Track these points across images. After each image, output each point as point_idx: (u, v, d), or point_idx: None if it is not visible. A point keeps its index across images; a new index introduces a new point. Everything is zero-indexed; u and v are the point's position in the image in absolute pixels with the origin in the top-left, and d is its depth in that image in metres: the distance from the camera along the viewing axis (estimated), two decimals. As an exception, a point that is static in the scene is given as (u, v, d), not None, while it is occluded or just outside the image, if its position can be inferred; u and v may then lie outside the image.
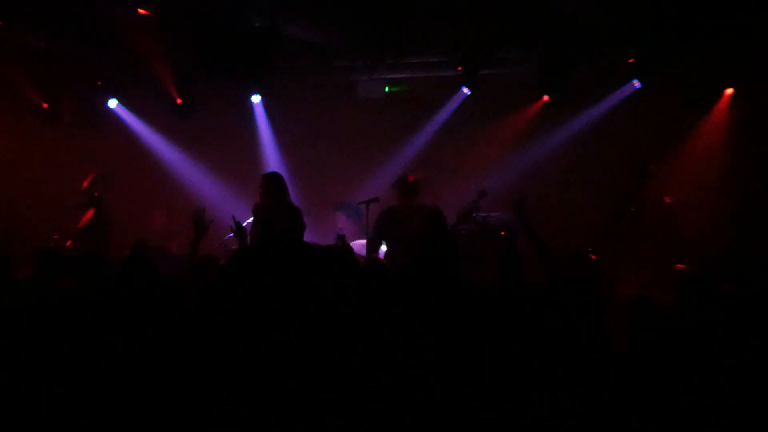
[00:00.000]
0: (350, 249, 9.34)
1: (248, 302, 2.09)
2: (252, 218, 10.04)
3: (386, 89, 13.14)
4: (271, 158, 13.73)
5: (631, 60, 11.76)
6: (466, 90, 12.50)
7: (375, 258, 9.71)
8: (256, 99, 13.51)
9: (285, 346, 2.04)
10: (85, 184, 11.92)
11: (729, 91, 11.80)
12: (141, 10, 10.52)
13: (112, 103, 13.84)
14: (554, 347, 3.24)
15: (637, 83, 11.91)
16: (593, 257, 8.30)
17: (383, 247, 10.53)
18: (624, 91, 12.16)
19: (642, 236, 10.37)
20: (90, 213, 11.76)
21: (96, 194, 11.85)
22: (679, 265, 9.09)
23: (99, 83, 13.64)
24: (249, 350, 2.04)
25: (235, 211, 9.76)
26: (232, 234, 8.54)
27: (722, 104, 11.94)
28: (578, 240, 9.66)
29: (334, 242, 9.69)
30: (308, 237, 11.37)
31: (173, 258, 11.29)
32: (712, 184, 11.82)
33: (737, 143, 11.83)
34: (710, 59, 11.52)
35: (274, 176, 10.18)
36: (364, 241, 10.69)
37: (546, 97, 12.15)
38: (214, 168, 13.84)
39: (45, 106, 13.52)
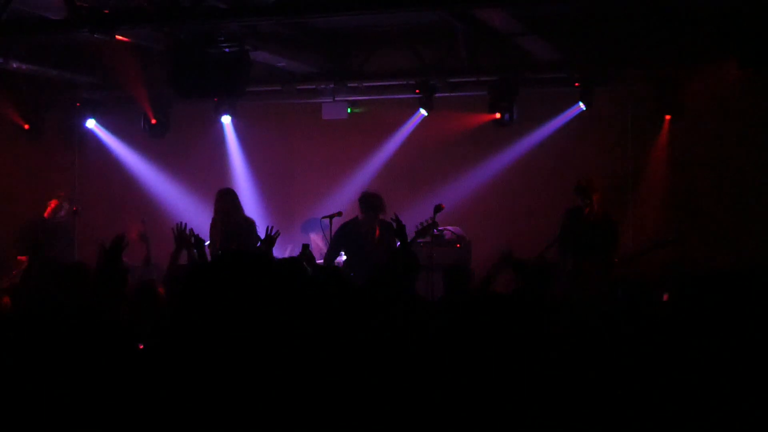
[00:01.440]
0: (313, 258, 9.72)
1: (210, 312, 2.14)
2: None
3: (348, 110, 13.52)
4: (241, 175, 14.08)
5: (577, 84, 12.15)
6: (423, 111, 12.81)
7: (333, 266, 10.17)
8: (226, 119, 13.75)
9: (246, 352, 2.10)
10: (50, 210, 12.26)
11: (668, 117, 12.20)
12: (118, 37, 10.64)
13: (91, 123, 14.14)
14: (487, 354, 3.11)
15: (582, 105, 12.26)
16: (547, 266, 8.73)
17: (342, 257, 11.04)
18: (571, 113, 12.55)
19: (588, 248, 10.55)
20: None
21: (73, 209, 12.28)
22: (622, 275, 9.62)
23: (78, 104, 13.98)
24: (213, 358, 2.10)
25: (206, 224, 10.29)
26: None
27: (664, 129, 12.36)
28: (530, 251, 9.85)
29: (300, 253, 10.00)
30: (275, 249, 11.80)
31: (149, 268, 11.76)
32: (656, 202, 12.43)
33: (677, 165, 12.38)
34: (651, 87, 12.01)
35: (228, 192, 10.55)
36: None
37: (497, 115, 12.39)
38: (186, 183, 14.13)
39: (26, 127, 13.73)
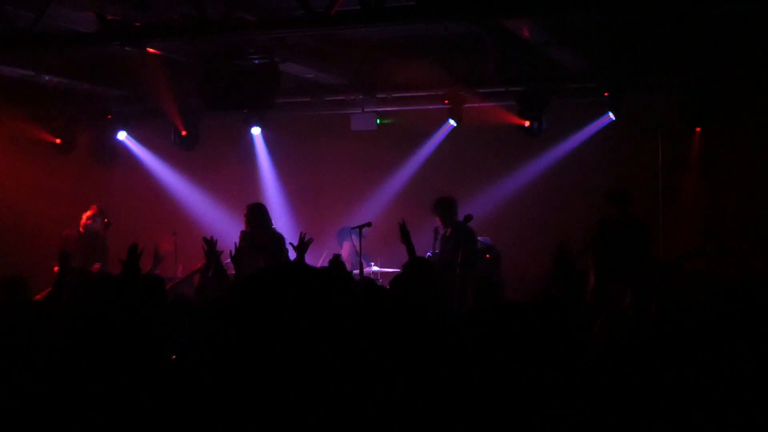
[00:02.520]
0: (344, 267, 9.60)
1: (257, 323, 2.14)
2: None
3: (378, 121, 13.55)
4: (270, 186, 14.17)
5: (606, 94, 12.11)
6: (452, 122, 12.86)
7: (367, 278, 10.19)
8: (256, 131, 13.88)
9: (292, 362, 2.11)
10: (89, 215, 12.40)
11: (698, 129, 12.15)
12: (150, 49, 10.77)
13: (122, 136, 14.30)
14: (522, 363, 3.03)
15: (611, 115, 12.21)
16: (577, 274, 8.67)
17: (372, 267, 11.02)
18: (600, 123, 12.52)
19: (620, 258, 10.44)
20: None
21: (105, 221, 12.45)
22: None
23: (109, 117, 14.11)
24: (259, 367, 2.11)
25: (235, 235, 10.31)
26: (228, 260, 8.78)
27: (695, 139, 12.32)
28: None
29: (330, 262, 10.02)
30: (308, 257, 11.84)
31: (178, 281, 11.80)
32: (687, 212, 12.35)
33: (708, 175, 12.32)
34: (682, 97, 11.84)
35: (258, 206, 10.60)
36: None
37: (527, 123, 12.32)
38: (216, 195, 14.26)
39: (58, 141, 13.93)
